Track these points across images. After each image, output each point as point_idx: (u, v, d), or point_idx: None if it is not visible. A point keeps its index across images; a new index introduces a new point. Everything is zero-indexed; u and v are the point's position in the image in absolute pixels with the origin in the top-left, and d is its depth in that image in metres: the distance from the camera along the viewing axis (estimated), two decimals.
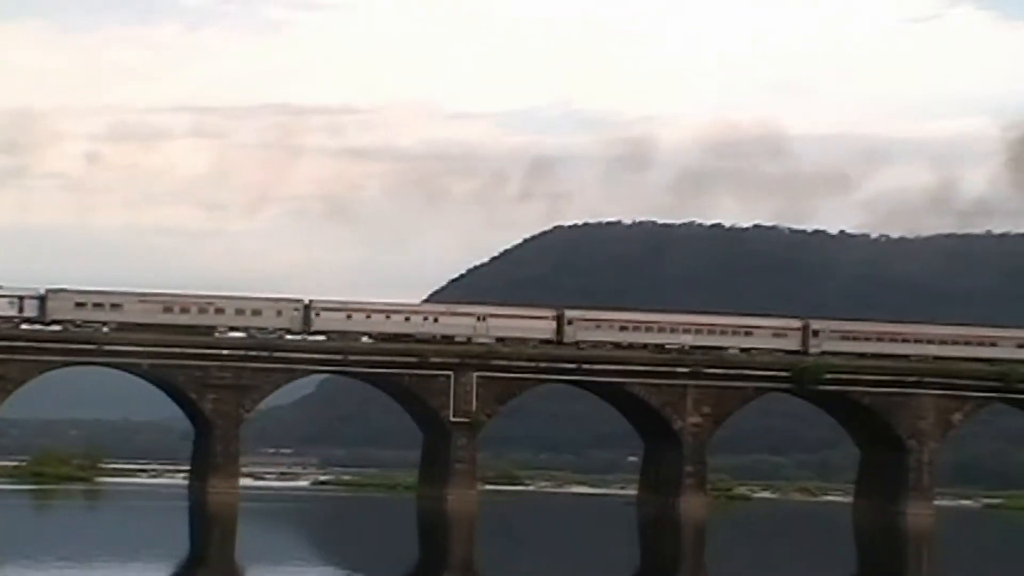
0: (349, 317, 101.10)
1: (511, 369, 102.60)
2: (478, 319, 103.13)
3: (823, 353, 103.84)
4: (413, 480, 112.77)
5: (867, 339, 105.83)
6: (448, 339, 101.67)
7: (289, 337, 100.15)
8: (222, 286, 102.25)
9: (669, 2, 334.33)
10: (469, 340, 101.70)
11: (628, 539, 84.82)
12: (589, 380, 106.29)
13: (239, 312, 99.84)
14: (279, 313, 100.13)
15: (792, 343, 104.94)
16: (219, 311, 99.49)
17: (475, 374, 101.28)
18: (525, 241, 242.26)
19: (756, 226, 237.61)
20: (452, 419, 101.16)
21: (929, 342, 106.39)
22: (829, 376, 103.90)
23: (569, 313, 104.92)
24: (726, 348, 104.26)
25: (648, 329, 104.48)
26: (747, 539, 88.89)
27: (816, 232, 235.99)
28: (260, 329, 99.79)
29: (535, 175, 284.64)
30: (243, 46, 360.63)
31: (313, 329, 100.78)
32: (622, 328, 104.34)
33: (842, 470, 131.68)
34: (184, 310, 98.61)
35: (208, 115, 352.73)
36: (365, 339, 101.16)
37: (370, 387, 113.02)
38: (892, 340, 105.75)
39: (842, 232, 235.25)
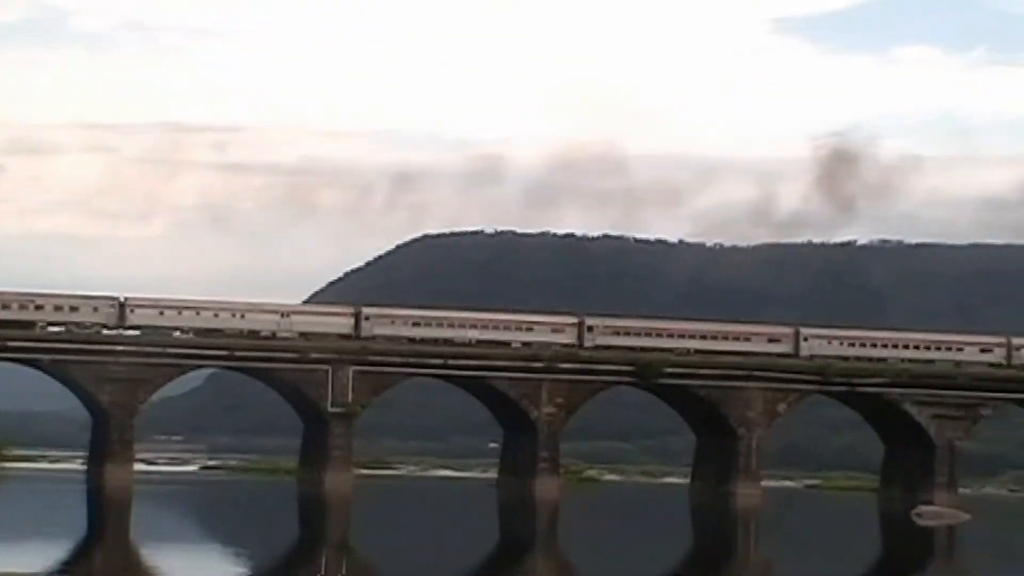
0: (161, 313, 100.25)
1: (384, 364, 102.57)
2: (281, 315, 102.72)
3: (596, 347, 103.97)
4: (293, 465, 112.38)
5: (636, 334, 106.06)
6: (254, 333, 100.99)
7: (105, 332, 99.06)
8: (115, 288, 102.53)
9: (521, 32, 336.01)
10: (274, 335, 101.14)
11: (489, 517, 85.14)
12: (455, 374, 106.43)
13: (57, 308, 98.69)
14: (95, 309, 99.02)
15: (568, 337, 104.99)
16: (39, 307, 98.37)
17: (351, 368, 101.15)
18: (397, 248, 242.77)
19: (605, 235, 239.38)
20: (330, 410, 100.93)
21: (691, 337, 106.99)
22: (669, 371, 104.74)
23: (367, 310, 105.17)
24: (509, 343, 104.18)
25: (439, 325, 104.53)
26: (596, 516, 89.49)
27: (657, 241, 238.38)
28: (77, 324, 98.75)
29: (402, 188, 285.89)
30: (138, 69, 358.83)
31: (128, 324, 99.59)
32: (415, 324, 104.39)
33: (680, 455, 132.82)
34: (6, 306, 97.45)
35: (103, 131, 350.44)
36: (177, 334, 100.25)
37: (255, 380, 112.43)
38: (658, 335, 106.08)
39: (681, 241, 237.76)
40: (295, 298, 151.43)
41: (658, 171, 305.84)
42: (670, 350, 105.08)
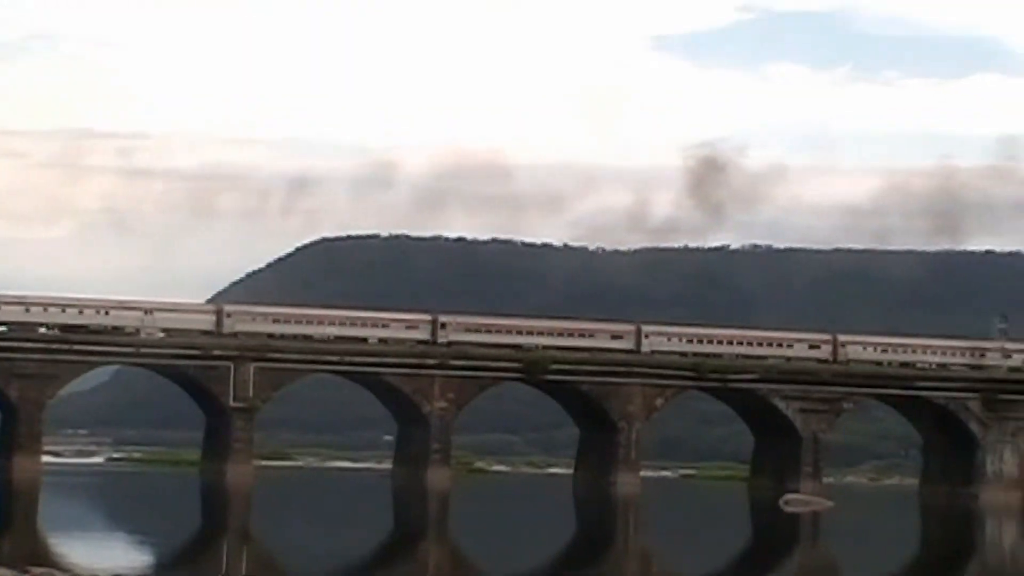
0: (28, 310, 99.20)
1: (284, 360, 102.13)
2: (145, 312, 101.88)
3: (450, 343, 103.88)
4: (196, 457, 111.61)
5: (488, 331, 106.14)
6: (119, 330, 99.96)
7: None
8: (23, 288, 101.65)
9: (411, 43, 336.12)
10: (137, 331, 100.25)
11: (384, 506, 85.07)
12: (352, 371, 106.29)
13: None
14: None
15: (423, 334, 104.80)
16: None
17: (252, 365, 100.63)
18: (296, 250, 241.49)
19: (494, 239, 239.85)
20: (232, 404, 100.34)
21: (540, 334, 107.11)
22: (554, 367, 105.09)
23: (228, 308, 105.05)
24: (365, 339, 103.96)
25: (298, 322, 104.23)
26: (485, 505, 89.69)
27: (544, 245, 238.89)
28: None
29: (300, 193, 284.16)
30: (46, 78, 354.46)
31: None
32: (275, 320, 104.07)
33: (564, 446, 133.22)
34: None
35: (11, 137, 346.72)
36: (42, 330, 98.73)
37: (159, 376, 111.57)
38: (508, 332, 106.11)
39: (566, 245, 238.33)
40: (199, 297, 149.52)
41: (542, 178, 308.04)
42: (518, 346, 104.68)
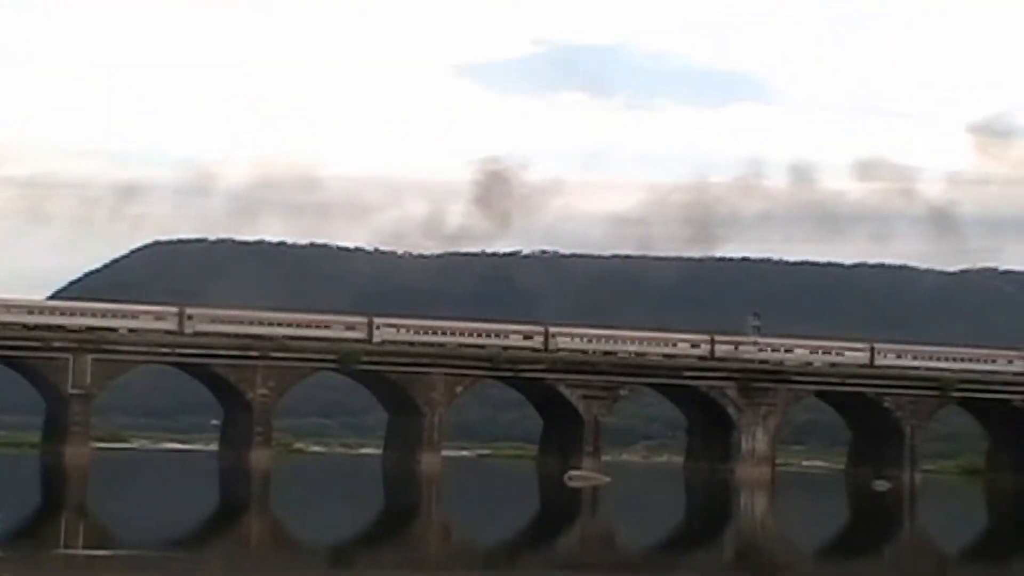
0: None
1: (119, 352, 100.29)
2: None
3: (196, 333, 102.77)
4: (37, 440, 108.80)
5: (240, 323, 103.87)
6: None
7: None
8: None
9: (234, 61, 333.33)
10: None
11: (211, 483, 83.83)
12: (182, 361, 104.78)
13: None
14: None
15: (171, 324, 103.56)
16: None
17: (90, 356, 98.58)
18: (130, 252, 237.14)
19: (311, 244, 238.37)
20: (70, 391, 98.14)
21: (308, 326, 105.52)
22: (365, 359, 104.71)
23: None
24: (115, 329, 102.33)
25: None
26: (303, 483, 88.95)
27: (357, 249, 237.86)
28: None
29: (132, 200, 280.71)
30: None
31: None
32: (61, 313, 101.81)
33: (374, 429, 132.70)
34: None
35: None
36: None
37: (1, 365, 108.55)
38: (262, 324, 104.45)
39: (376, 249, 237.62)
40: (39, 295, 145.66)
41: (350, 188, 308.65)
42: (269, 338, 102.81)
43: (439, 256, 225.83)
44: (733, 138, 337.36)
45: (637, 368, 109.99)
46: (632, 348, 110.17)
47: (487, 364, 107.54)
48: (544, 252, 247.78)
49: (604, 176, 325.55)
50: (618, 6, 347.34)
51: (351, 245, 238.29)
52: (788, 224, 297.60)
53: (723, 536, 54.52)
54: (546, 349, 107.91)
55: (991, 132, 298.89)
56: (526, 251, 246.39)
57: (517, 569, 36.82)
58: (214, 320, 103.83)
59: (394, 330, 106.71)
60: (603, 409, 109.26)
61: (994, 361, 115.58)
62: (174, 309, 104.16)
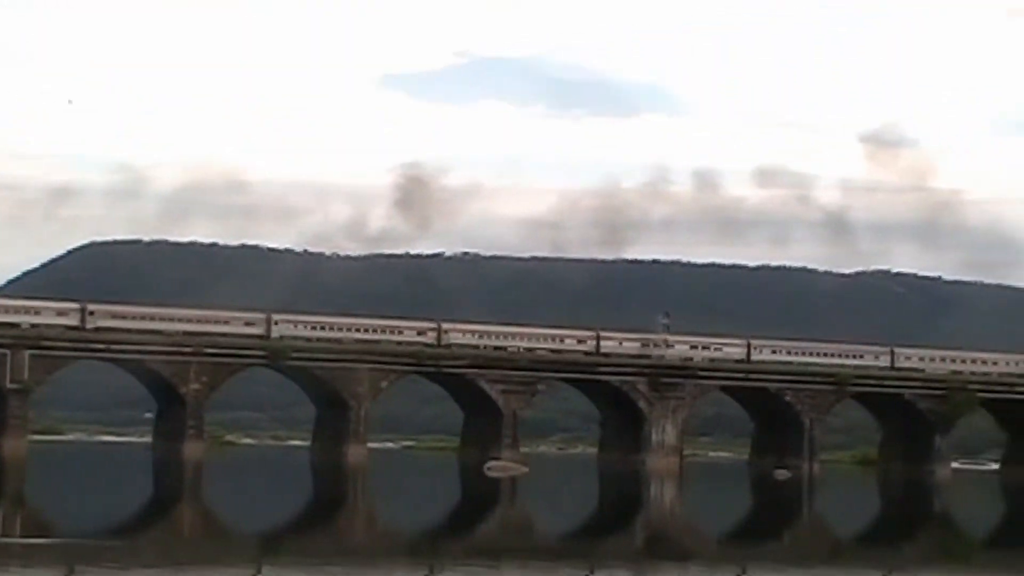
0: None
1: (54, 348, 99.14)
2: None
3: (97, 329, 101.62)
4: None
5: (141, 319, 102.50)
6: None
7: None
8: None
9: (166, 63, 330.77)
10: None
11: (145, 474, 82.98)
12: (117, 357, 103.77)
13: None
14: None
15: (73, 320, 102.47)
16: None
17: (27, 352, 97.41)
18: (68, 252, 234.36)
19: (243, 244, 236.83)
20: (8, 386, 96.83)
21: (208, 322, 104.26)
22: (294, 355, 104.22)
23: (4, 302, 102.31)
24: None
25: (66, 314, 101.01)
26: (235, 474, 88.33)
27: (287, 250, 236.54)
28: None
29: (64, 202, 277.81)
30: None
31: None
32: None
33: (303, 422, 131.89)
34: None
35: None
36: None
37: None
38: (162, 320, 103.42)
39: (305, 251, 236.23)
40: None
41: (278, 192, 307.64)
42: (159, 331, 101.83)
43: (365, 257, 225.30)
44: (642, 146, 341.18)
45: (554, 364, 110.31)
46: (522, 344, 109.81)
47: (412, 360, 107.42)
48: (466, 254, 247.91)
49: (520, 181, 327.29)
50: (537, 20, 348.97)
51: (280, 246, 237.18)
52: (693, 228, 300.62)
53: (634, 523, 54.80)
54: (439, 344, 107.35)
55: (881, 142, 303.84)
56: (448, 253, 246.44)
57: (439, 556, 36.80)
58: (115, 316, 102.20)
59: (291, 326, 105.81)
60: (521, 403, 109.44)
61: (877, 357, 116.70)
62: (75, 305, 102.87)
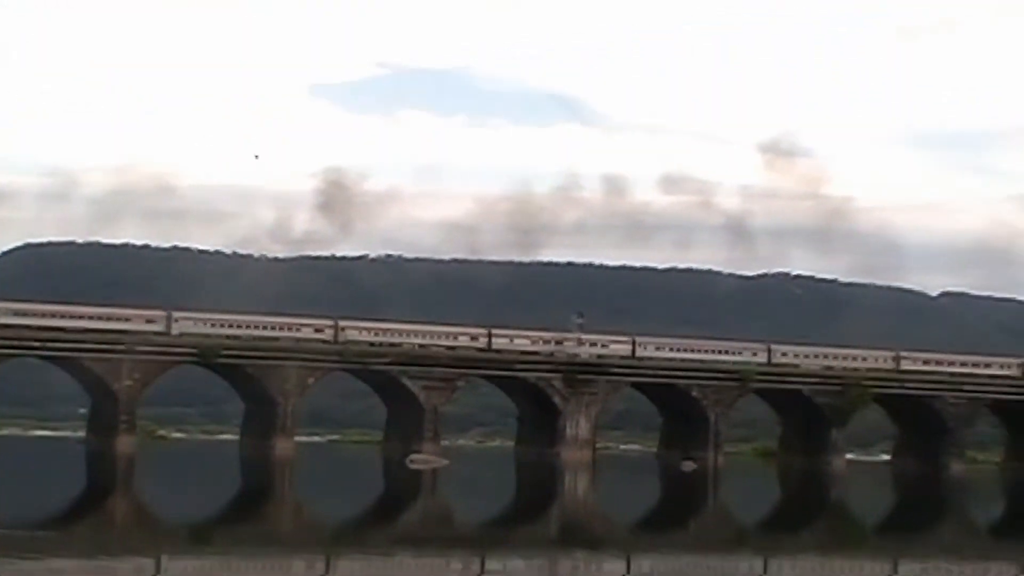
0: None
1: None
2: None
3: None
4: None
5: (31, 315, 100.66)
6: None
7: None
8: None
9: (96, 68, 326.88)
10: None
11: (77, 468, 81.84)
12: (52, 355, 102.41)
13: None
14: None
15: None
16: None
17: None
18: (3, 253, 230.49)
19: (174, 247, 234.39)
20: None
21: (110, 319, 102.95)
22: (224, 353, 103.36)
23: None
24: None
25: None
26: (166, 466, 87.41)
27: (216, 252, 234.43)
28: None
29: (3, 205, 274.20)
30: None
31: None
32: None
33: (233, 417, 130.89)
34: None
35: None
36: None
37: None
38: (53, 316, 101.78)
39: (235, 252, 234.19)
40: None
41: (207, 196, 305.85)
42: (62, 328, 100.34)
43: (292, 259, 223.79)
44: (555, 154, 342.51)
45: (474, 361, 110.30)
46: (415, 340, 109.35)
47: (336, 357, 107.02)
48: (389, 256, 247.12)
49: (440, 187, 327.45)
50: (460, 34, 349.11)
51: (210, 248, 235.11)
52: (602, 231, 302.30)
53: (549, 512, 54.92)
54: (335, 341, 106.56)
55: (777, 151, 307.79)
56: (373, 255, 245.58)
57: (363, 544, 36.63)
58: (16, 313, 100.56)
59: (191, 323, 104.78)
60: (442, 398, 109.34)
61: (755, 353, 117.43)
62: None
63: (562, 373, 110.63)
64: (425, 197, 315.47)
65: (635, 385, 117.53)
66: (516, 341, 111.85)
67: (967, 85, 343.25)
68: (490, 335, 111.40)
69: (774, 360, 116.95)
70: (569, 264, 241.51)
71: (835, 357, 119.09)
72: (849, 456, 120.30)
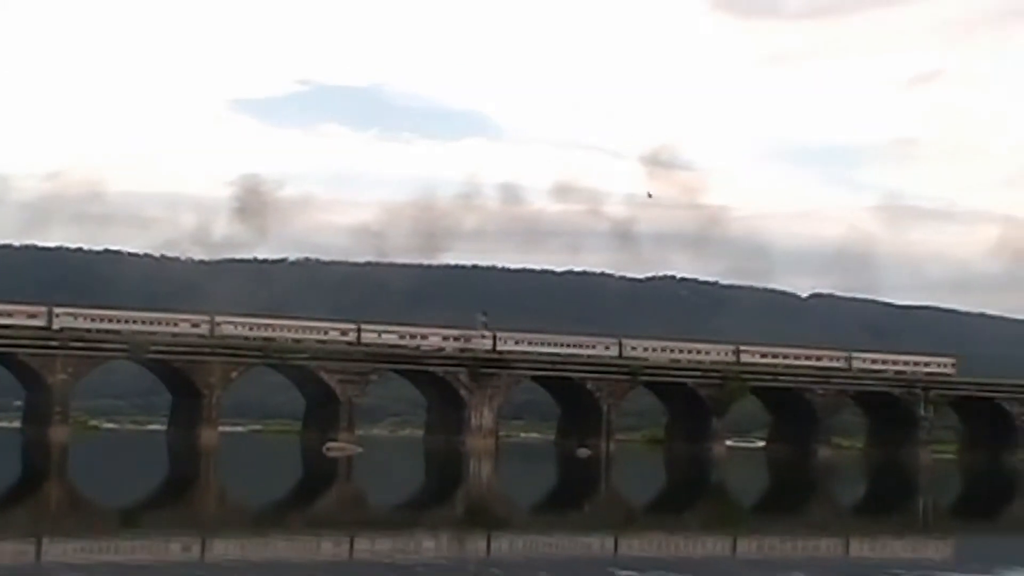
0: None
1: None
2: None
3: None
4: None
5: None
6: None
7: None
8: None
9: (30, 73, 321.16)
10: None
11: (12, 457, 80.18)
12: None
13: None
14: None
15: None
16: None
17: None
18: None
19: (106, 250, 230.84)
20: None
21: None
22: (154, 347, 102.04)
23: None
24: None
25: None
26: (97, 454, 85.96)
27: (146, 255, 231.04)
28: None
29: None
30: None
31: None
32: None
33: (161, 409, 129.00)
34: None
35: None
36: None
37: None
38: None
39: (163, 255, 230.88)
40: None
41: (132, 202, 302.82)
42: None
43: (216, 262, 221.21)
44: (459, 165, 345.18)
45: (386, 357, 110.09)
46: (289, 335, 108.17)
47: (259, 352, 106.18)
48: (308, 259, 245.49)
49: (351, 195, 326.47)
50: (375, 52, 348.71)
51: (140, 251, 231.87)
52: (500, 237, 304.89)
53: (456, 496, 54.92)
54: (211, 335, 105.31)
55: (657, 162, 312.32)
56: (292, 258, 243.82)
57: (283, 526, 36.36)
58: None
59: (72, 318, 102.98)
60: (356, 391, 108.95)
61: (607, 348, 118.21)
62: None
63: (467, 367, 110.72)
64: (337, 204, 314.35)
65: (535, 378, 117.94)
66: (384, 336, 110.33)
67: (834, 105, 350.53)
68: (359, 330, 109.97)
69: (664, 355, 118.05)
70: (475, 267, 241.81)
71: (677, 351, 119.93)
72: (728, 443, 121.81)
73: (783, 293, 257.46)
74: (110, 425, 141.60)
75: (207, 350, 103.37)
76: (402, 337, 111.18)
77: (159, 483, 58.15)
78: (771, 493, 64.96)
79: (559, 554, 31.98)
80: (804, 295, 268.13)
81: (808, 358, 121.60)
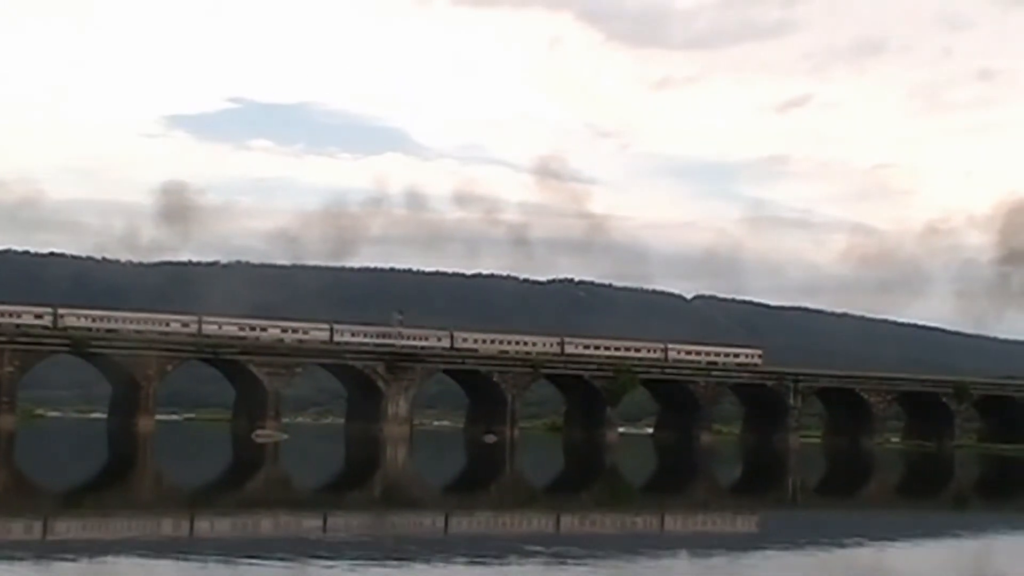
0: None
1: None
2: None
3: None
4: None
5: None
6: None
7: None
8: None
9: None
10: None
11: None
12: None
13: None
14: None
15: None
16: None
17: None
18: None
19: (51, 253, 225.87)
20: None
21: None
22: (94, 343, 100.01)
23: None
24: None
25: None
26: (41, 441, 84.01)
27: (88, 257, 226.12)
28: None
29: None
30: None
31: None
32: None
33: (102, 398, 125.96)
34: None
35: None
36: None
37: None
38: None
39: (104, 258, 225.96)
40: None
41: (68, 208, 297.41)
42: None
43: (154, 264, 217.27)
44: (369, 173, 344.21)
45: (309, 352, 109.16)
46: (131, 327, 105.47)
47: (191, 346, 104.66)
48: (239, 261, 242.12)
49: (270, 203, 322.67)
50: (303, 71, 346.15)
51: (83, 254, 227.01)
52: (406, 241, 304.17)
53: (374, 478, 54.68)
54: (55, 327, 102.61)
55: (546, 172, 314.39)
56: (224, 261, 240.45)
57: (215, 506, 35.90)
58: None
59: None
60: (283, 382, 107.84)
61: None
62: None
63: (384, 361, 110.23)
64: (256, 211, 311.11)
65: (446, 371, 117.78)
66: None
67: (713, 126, 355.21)
68: (200, 322, 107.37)
69: (565, 351, 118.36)
70: (392, 269, 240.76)
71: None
72: (620, 429, 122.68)
73: (671, 295, 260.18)
74: (55, 413, 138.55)
75: (145, 344, 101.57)
76: (244, 329, 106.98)
77: (99, 467, 57.04)
78: (658, 474, 65.61)
79: (470, 531, 31.99)
80: (689, 297, 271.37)
81: (628, 349, 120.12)
